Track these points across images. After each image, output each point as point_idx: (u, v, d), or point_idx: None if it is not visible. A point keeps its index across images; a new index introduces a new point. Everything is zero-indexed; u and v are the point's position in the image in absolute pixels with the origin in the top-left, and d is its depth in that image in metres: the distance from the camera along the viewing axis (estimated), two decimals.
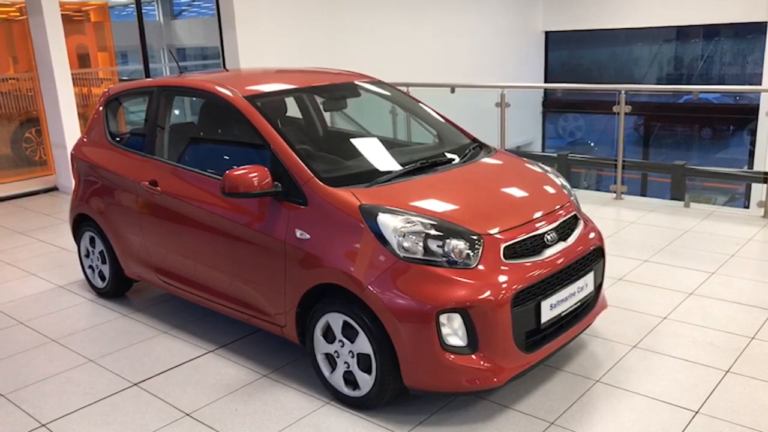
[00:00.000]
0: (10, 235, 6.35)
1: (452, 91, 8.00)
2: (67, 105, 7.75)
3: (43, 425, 3.16)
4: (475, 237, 2.96)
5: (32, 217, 7.05)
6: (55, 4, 7.45)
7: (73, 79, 7.85)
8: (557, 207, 3.38)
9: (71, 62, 7.81)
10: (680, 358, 3.52)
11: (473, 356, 2.87)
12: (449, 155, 3.74)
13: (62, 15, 7.58)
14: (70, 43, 7.88)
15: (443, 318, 2.82)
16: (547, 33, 15.24)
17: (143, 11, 9.10)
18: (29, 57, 8.52)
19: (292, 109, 4.32)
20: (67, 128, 7.78)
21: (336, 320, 3.10)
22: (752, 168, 12.62)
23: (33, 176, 8.88)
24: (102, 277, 4.63)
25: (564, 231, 3.31)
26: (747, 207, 11.44)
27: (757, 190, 8.90)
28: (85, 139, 4.77)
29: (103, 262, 4.56)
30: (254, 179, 3.19)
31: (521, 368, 2.99)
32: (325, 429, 3.02)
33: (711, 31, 14.40)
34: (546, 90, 15.59)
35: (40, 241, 6.12)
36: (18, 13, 9.08)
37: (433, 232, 2.94)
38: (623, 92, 6.77)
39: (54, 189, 8.29)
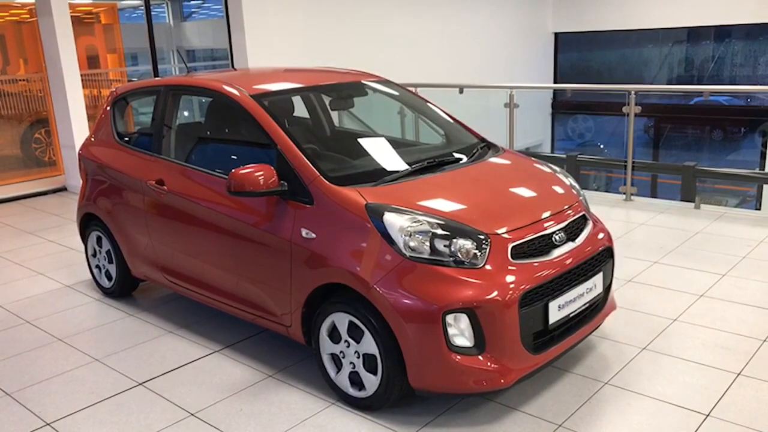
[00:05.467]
0: (18, 235, 6.37)
1: (461, 91, 7.97)
2: (76, 106, 7.79)
3: (48, 424, 3.16)
4: (482, 236, 2.93)
5: (41, 217, 7.07)
6: (64, 6, 7.48)
7: (82, 80, 7.88)
8: (566, 207, 3.35)
9: (81, 64, 7.84)
10: (690, 360, 3.47)
11: (480, 357, 2.84)
12: (457, 155, 3.72)
13: (72, 17, 7.62)
14: (79, 45, 7.92)
15: (450, 318, 2.79)
16: (556, 34, 15.18)
17: (152, 13, 9.13)
18: (39, 58, 8.57)
19: (300, 109, 4.31)
20: (76, 129, 7.81)
21: (342, 320, 3.08)
22: (764, 170, 12.51)
23: (42, 177, 8.92)
24: (109, 277, 4.63)
25: (573, 231, 3.27)
26: (759, 209, 11.34)
27: None
28: (92, 139, 4.78)
29: (110, 262, 4.56)
30: (260, 178, 3.18)
31: (529, 369, 2.95)
32: (331, 430, 2.99)
33: (722, 33, 14.29)
34: (555, 91, 15.51)
35: (48, 240, 6.14)
36: (28, 15, 9.13)
37: (439, 231, 2.91)
38: (633, 93, 6.71)
39: (63, 189, 8.32)
